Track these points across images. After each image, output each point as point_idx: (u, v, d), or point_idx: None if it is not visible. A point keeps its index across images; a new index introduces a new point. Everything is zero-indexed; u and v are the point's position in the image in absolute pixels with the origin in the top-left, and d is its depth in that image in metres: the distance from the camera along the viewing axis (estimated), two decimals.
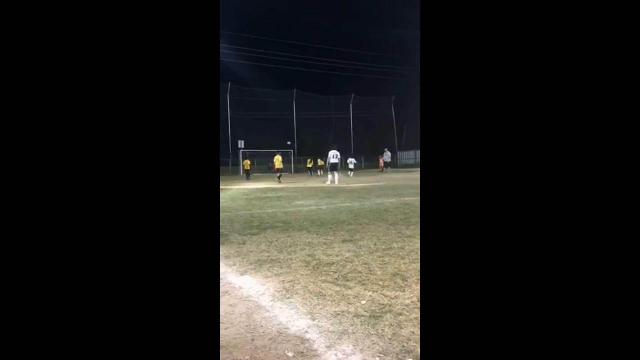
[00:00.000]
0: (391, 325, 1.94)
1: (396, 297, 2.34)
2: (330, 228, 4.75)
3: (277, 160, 16.41)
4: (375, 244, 3.77)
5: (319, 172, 22.56)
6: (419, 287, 2.48)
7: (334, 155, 13.83)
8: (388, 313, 2.09)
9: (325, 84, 32.35)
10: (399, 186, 11.31)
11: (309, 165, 21.84)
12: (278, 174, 15.90)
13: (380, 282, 2.61)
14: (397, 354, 1.66)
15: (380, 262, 3.11)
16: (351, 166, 20.92)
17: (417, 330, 1.86)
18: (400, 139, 35.62)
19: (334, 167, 13.73)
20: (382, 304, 2.22)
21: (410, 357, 1.63)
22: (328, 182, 13.65)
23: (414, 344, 1.74)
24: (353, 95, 33.16)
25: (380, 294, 2.40)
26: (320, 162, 23.36)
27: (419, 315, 2.04)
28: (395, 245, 3.72)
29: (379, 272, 2.84)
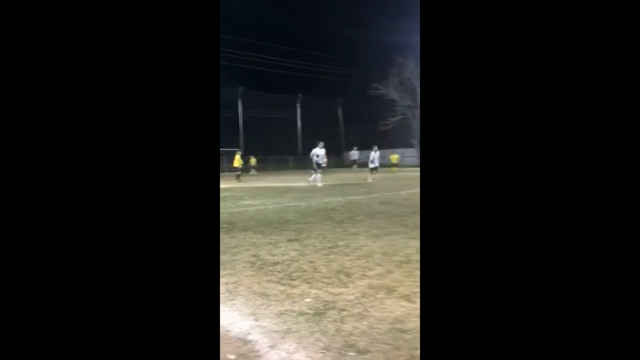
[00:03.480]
0: (334, 321, 1.97)
1: (340, 293, 2.38)
2: (277, 228, 4.71)
3: (237, 160, 15.97)
4: (321, 243, 3.81)
5: (253, 172, 21.90)
6: (362, 283, 2.55)
7: (314, 154, 12.38)
8: (332, 309, 2.12)
9: (273, 83, 32.08)
10: (348, 185, 11.54)
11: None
12: (237, 173, 15.52)
13: (325, 280, 2.64)
14: (340, 349, 1.69)
15: (326, 260, 3.15)
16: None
17: (360, 325, 1.91)
18: (347, 140, 36.37)
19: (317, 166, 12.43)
20: (326, 301, 2.24)
21: (352, 351, 1.66)
22: (311, 180, 12.49)
23: (356, 338, 1.78)
24: (300, 95, 33.26)
25: (325, 291, 2.42)
26: (252, 161, 22.73)
27: (361, 310, 2.10)
28: (340, 243, 3.78)
29: (324, 270, 2.87)
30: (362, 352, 1.65)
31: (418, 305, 2.15)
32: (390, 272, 2.79)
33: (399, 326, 1.88)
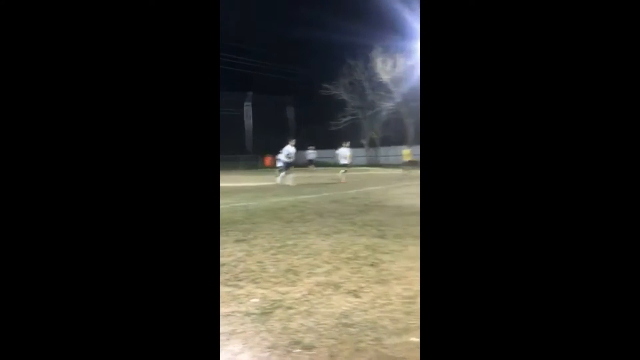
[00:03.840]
0: (281, 319, 1.97)
1: (287, 292, 2.38)
2: (223, 229, 4.60)
3: None
4: (269, 243, 3.78)
5: None
6: (310, 281, 2.57)
7: (286, 153, 11.70)
8: (279, 308, 2.11)
9: (221, 81, 31.20)
10: (300, 184, 11.55)
11: None
12: None
13: (273, 279, 2.63)
14: (286, 346, 1.69)
15: (274, 260, 3.13)
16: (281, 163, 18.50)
17: (306, 322, 1.93)
18: (298, 139, 36.38)
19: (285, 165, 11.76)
20: (274, 300, 2.24)
21: (298, 348, 1.67)
22: (280, 179, 11.81)
23: (302, 334, 1.79)
24: (251, 93, 32.72)
25: (272, 290, 2.41)
26: None
27: (308, 307, 2.12)
28: (289, 242, 3.78)
29: (271, 270, 2.85)
30: (308, 348, 1.67)
31: (364, 299, 2.21)
32: (338, 269, 2.84)
33: (345, 321, 1.93)
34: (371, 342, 1.70)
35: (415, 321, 1.91)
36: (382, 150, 31.45)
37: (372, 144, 32.01)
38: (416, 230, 4.26)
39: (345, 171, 12.64)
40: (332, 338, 1.75)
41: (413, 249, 3.37)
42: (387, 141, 31.20)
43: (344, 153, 12.89)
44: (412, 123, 29.36)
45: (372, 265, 2.92)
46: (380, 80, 28.89)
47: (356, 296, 2.27)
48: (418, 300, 2.18)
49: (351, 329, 1.83)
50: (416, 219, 4.97)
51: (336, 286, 2.45)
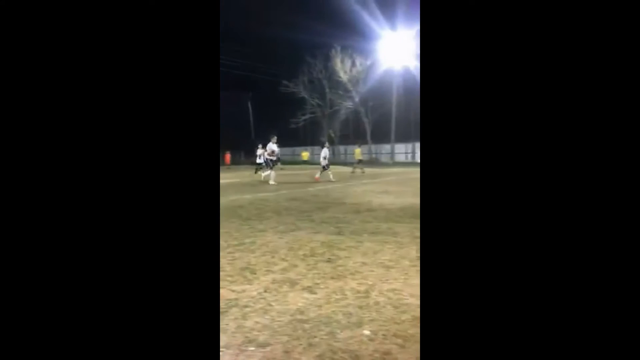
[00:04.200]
0: (236, 318, 1.95)
1: (244, 290, 2.36)
2: None
3: None
4: (226, 241, 3.72)
5: None
6: (266, 278, 2.56)
7: (270, 151, 11.33)
8: (234, 307, 2.09)
9: None
10: (256, 183, 11.42)
11: None
12: None
13: (229, 278, 2.59)
14: (240, 345, 1.68)
15: (231, 258, 3.09)
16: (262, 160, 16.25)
17: (261, 319, 1.93)
18: (257, 136, 35.98)
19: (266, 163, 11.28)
20: (229, 299, 2.21)
21: (252, 346, 1.67)
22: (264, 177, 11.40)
23: (257, 332, 1.79)
24: None
25: (228, 289, 2.38)
26: None
27: (264, 304, 2.12)
28: (247, 240, 3.74)
29: (228, 268, 2.82)
30: (262, 345, 1.67)
31: (319, 295, 2.25)
32: (294, 266, 2.86)
33: (300, 317, 1.95)
34: (324, 337, 1.73)
35: (368, 314, 1.97)
36: (341, 149, 31.88)
37: (331, 142, 32.33)
38: (372, 226, 4.38)
39: (323, 170, 12.20)
40: (286, 335, 1.76)
41: (369, 245, 3.47)
42: (347, 140, 31.67)
43: (325, 153, 12.55)
44: (370, 122, 29.99)
45: (328, 261, 2.97)
46: (339, 79, 29.23)
47: (312, 292, 2.30)
48: (372, 294, 2.26)
49: (305, 325, 1.86)
50: (373, 215, 5.10)
51: (292, 283, 2.47)
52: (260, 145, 17.26)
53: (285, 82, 29.85)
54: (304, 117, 30.83)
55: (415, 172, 17.78)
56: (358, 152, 16.54)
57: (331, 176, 11.59)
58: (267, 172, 11.30)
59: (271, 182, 10.78)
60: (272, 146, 11.22)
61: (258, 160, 15.90)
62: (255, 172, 15.52)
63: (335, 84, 29.90)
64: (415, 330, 1.78)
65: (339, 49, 28.59)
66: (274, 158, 11.28)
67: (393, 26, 27.00)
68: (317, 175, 12.03)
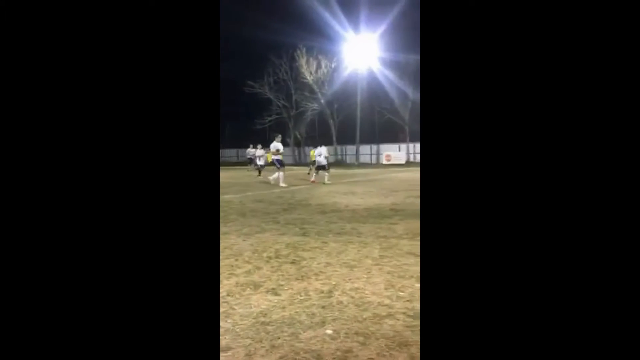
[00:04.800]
0: None
1: None
2: None
3: None
4: None
5: None
6: (229, 282, 2.53)
7: (275, 150, 10.73)
8: None
9: None
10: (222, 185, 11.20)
11: None
12: None
13: None
14: None
15: None
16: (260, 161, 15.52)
17: (224, 324, 1.90)
18: (223, 137, 35.28)
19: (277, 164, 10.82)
20: None
21: None
22: (272, 181, 10.79)
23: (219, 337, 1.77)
24: None
25: None
26: None
27: (227, 308, 2.08)
28: None
29: None
30: (224, 349, 1.65)
31: (283, 297, 2.24)
32: (258, 268, 2.84)
33: (262, 319, 1.94)
34: (287, 338, 1.74)
35: (331, 313, 1.99)
36: (307, 150, 31.93)
37: (298, 143, 32.31)
38: (337, 227, 4.43)
39: (321, 170, 11.48)
40: (249, 338, 1.75)
41: (333, 245, 3.50)
42: (313, 141, 31.78)
43: (321, 152, 11.82)
44: (336, 124, 30.27)
45: (293, 263, 2.97)
46: (305, 80, 29.29)
47: (275, 294, 2.30)
48: (335, 294, 2.28)
49: (268, 327, 1.85)
50: (338, 216, 5.16)
51: (256, 286, 2.45)
52: (259, 146, 16.30)
53: (249, 82, 29.51)
54: (269, 118, 30.61)
55: (380, 172, 18.13)
56: (313, 153, 16.96)
57: (281, 181, 10.55)
58: (275, 175, 10.76)
59: (281, 184, 10.21)
60: (278, 145, 10.71)
61: (259, 162, 14.98)
62: (259, 175, 14.77)
63: (301, 85, 29.93)
64: (376, 328, 1.82)
65: (304, 50, 28.66)
66: (280, 157, 10.70)
67: (356, 29, 27.43)
68: (313, 178, 11.45)
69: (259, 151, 15.35)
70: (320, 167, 11.40)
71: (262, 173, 14.69)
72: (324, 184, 10.79)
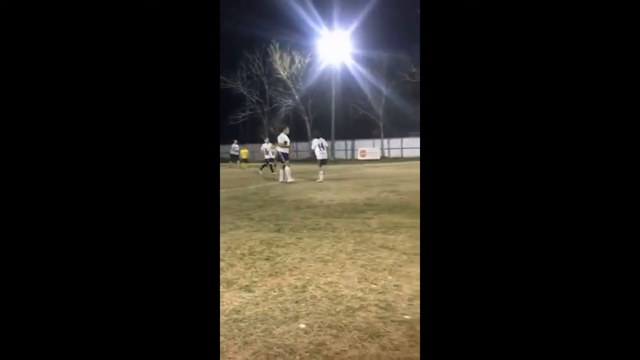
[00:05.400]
0: None
1: None
2: None
3: None
4: None
5: None
6: None
7: (283, 142, 10.17)
8: None
9: None
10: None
11: None
12: None
13: None
14: None
15: None
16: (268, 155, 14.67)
17: None
18: None
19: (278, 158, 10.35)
20: None
21: None
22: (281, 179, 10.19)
23: None
24: None
25: None
26: None
27: None
28: None
29: None
30: None
31: (256, 293, 2.23)
32: (232, 265, 2.81)
33: (235, 316, 1.92)
34: (260, 334, 1.73)
35: (305, 308, 2.00)
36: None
37: (272, 139, 32.08)
38: (311, 222, 4.44)
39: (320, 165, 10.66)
40: (221, 335, 1.73)
41: (308, 241, 3.51)
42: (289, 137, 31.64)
43: (322, 143, 10.80)
44: (310, 119, 30.24)
45: (267, 259, 2.96)
46: (279, 75, 29.07)
47: (249, 291, 2.28)
48: (309, 288, 2.29)
49: (241, 324, 1.84)
50: (313, 212, 5.17)
51: (229, 283, 2.43)
52: (267, 139, 15.74)
53: (222, 77, 28.99)
54: (243, 114, 30.22)
55: (355, 168, 18.28)
56: (244, 151, 17.37)
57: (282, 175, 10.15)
58: (281, 172, 10.23)
59: (289, 179, 9.78)
60: (285, 137, 10.23)
61: (266, 156, 14.56)
62: (261, 169, 14.54)
63: (275, 80, 29.69)
64: (349, 320, 1.85)
65: (277, 44, 28.40)
66: (286, 150, 10.21)
67: (330, 25, 27.44)
68: (320, 179, 10.19)
69: (266, 145, 15.06)
70: (323, 162, 10.65)
71: (263, 170, 14.35)
72: (318, 181, 10.06)
